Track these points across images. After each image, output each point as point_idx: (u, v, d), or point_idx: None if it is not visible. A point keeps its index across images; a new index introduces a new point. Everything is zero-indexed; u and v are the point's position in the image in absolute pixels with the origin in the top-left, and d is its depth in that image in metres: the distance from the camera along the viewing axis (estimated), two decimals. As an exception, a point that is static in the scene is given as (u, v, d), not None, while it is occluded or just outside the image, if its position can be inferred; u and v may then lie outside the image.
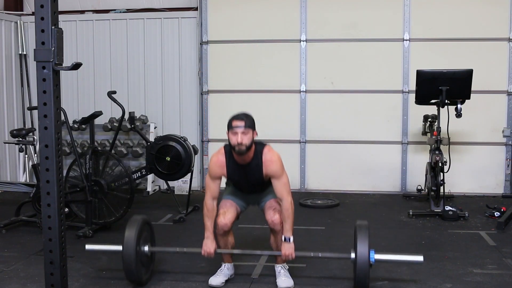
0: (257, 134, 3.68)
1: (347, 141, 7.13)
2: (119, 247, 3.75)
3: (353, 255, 3.63)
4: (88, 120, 5.47)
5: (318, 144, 7.20)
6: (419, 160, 6.86)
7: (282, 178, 3.70)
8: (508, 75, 6.81)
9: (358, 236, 3.64)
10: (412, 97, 6.32)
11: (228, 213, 3.79)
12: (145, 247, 3.84)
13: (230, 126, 3.60)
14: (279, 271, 3.88)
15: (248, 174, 3.73)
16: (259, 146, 3.72)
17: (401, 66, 6.93)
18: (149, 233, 3.96)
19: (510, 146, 6.88)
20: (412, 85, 6.22)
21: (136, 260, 3.70)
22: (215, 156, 3.80)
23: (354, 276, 3.63)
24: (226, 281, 3.92)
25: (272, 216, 3.77)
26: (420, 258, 3.73)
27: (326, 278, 4.01)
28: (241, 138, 3.54)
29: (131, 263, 3.68)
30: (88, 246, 4.00)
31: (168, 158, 5.81)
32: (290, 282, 3.82)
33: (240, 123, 3.57)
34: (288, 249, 3.67)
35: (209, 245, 3.75)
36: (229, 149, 3.72)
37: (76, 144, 5.89)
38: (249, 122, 3.60)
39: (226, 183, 4.04)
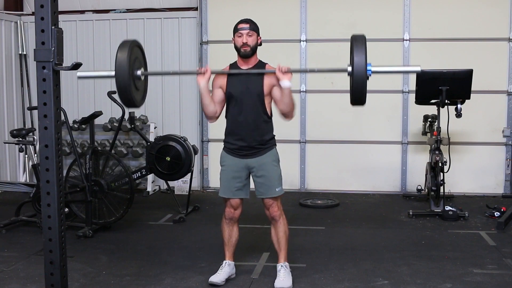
0: (261, 39, 3.80)
1: (347, 141, 7.13)
2: (112, 72, 3.61)
3: (349, 68, 3.56)
4: (88, 120, 5.47)
5: (318, 144, 7.20)
6: (419, 160, 6.87)
7: None
8: (508, 75, 6.81)
9: (355, 48, 3.52)
10: (412, 97, 6.32)
11: (235, 207, 3.89)
12: (137, 71, 3.66)
13: (235, 29, 3.73)
14: (279, 269, 3.87)
15: (248, 82, 3.73)
16: (263, 61, 3.86)
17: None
18: (141, 57, 3.75)
19: (510, 146, 6.88)
20: (412, 85, 6.22)
21: (130, 82, 3.57)
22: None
23: (351, 90, 3.54)
24: (226, 280, 3.92)
25: (270, 208, 3.83)
26: (417, 68, 3.61)
27: (326, 278, 4.01)
28: (246, 39, 3.68)
29: (125, 84, 3.55)
30: (80, 73, 3.56)
31: (168, 158, 5.81)
32: (287, 282, 3.81)
33: (245, 25, 3.72)
34: (282, 67, 3.66)
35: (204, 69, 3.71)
36: (234, 63, 3.82)
37: (76, 144, 5.89)
38: (253, 25, 3.75)
39: (220, 164, 3.91)
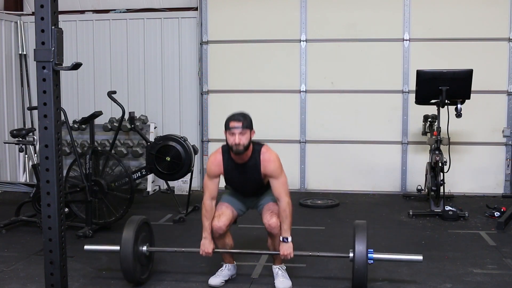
0: (254, 133, 3.68)
1: (347, 141, 7.13)
2: (117, 247, 3.75)
3: (351, 254, 3.62)
4: (88, 120, 5.47)
5: (318, 144, 7.20)
6: (419, 160, 6.86)
7: (281, 178, 3.69)
8: (508, 75, 6.81)
9: (356, 235, 3.63)
10: (412, 97, 6.32)
11: (223, 216, 3.78)
12: (143, 247, 3.84)
13: (227, 127, 3.60)
14: (277, 272, 3.88)
15: (245, 174, 3.73)
16: (257, 146, 3.72)
17: (401, 66, 6.94)
18: (147, 233, 3.95)
19: (510, 146, 6.88)
20: (412, 85, 6.22)
21: (134, 260, 3.70)
22: (213, 156, 3.80)
23: (352, 276, 3.63)
24: (226, 280, 3.92)
25: (269, 220, 3.74)
26: (419, 257, 3.73)
27: (326, 278, 4.01)
28: (239, 138, 3.55)
29: (128, 263, 3.68)
30: (87, 247, 4.01)
31: (168, 158, 5.81)
32: (288, 283, 3.81)
33: (238, 124, 3.57)
34: (286, 249, 3.67)
35: (207, 245, 3.75)
36: (227, 149, 3.71)
37: (76, 144, 5.89)
38: (246, 122, 3.60)
39: (225, 187, 4.03)
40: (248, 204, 3.97)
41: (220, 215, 3.79)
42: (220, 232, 3.76)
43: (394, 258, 3.87)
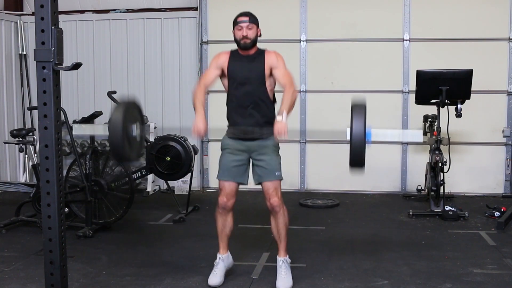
0: (260, 32, 3.82)
1: (347, 141, 7.10)
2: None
3: (348, 133, 3.55)
4: (88, 120, 5.47)
5: (318, 144, 7.20)
6: (419, 160, 6.86)
7: (285, 69, 3.79)
8: (508, 75, 6.81)
9: (354, 113, 3.51)
10: (412, 97, 6.31)
11: (229, 195, 3.82)
12: (132, 127, 3.52)
13: (235, 22, 3.77)
14: (280, 265, 3.85)
15: (249, 64, 3.79)
16: (263, 49, 3.87)
17: (401, 66, 6.94)
18: (137, 112, 3.65)
19: (510, 146, 6.88)
20: (412, 85, 6.21)
21: (123, 137, 3.37)
22: (220, 52, 3.92)
23: (349, 154, 3.57)
24: (226, 277, 3.90)
25: (271, 198, 3.77)
26: (419, 137, 3.55)
27: (326, 278, 4.01)
28: (246, 31, 3.71)
29: (118, 139, 3.34)
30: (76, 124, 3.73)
31: (168, 158, 5.81)
32: (289, 282, 3.80)
33: (245, 18, 3.75)
34: (280, 126, 3.58)
35: (199, 122, 3.81)
36: (235, 50, 3.85)
37: (76, 144, 5.89)
38: (253, 18, 3.78)
39: (221, 149, 3.94)
40: (246, 156, 3.84)
41: (226, 194, 3.82)
42: (226, 207, 3.83)
43: (393, 135, 3.76)
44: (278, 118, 3.60)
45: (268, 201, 3.81)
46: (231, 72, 3.82)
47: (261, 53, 3.83)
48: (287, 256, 3.91)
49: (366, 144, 3.40)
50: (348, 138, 3.44)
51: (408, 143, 7.02)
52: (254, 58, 3.80)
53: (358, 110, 3.40)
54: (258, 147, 3.81)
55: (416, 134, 3.51)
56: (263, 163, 3.80)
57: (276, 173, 3.80)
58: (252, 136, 3.79)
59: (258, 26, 3.81)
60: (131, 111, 3.52)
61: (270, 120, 3.76)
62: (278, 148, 3.88)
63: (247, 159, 3.86)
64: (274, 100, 3.89)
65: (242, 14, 3.79)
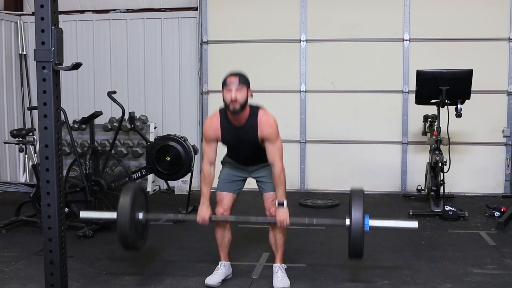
0: (252, 94, 3.63)
1: (347, 141, 7.13)
2: (114, 214, 3.72)
3: (347, 222, 3.57)
4: (88, 120, 5.47)
5: (318, 144, 7.20)
6: (419, 160, 6.86)
7: (276, 143, 3.65)
8: (508, 75, 6.81)
9: (353, 202, 3.54)
10: (412, 97, 6.32)
11: (226, 206, 3.83)
12: (139, 214, 3.76)
13: (224, 83, 3.58)
14: (277, 270, 3.87)
15: (243, 136, 3.68)
16: (254, 108, 3.68)
17: (401, 66, 6.94)
18: (143, 200, 3.87)
19: (510, 146, 6.88)
20: (412, 85, 6.22)
21: (131, 227, 3.63)
22: (209, 119, 3.79)
23: (348, 243, 3.58)
24: (224, 281, 3.91)
25: (270, 208, 3.79)
26: (414, 224, 3.69)
27: (326, 278, 4.01)
28: (235, 94, 3.50)
29: (126, 230, 3.62)
30: (83, 214, 4.01)
31: (168, 158, 5.81)
32: (286, 282, 3.80)
33: (235, 79, 3.54)
34: (282, 214, 3.63)
35: (204, 211, 3.72)
36: (224, 111, 3.68)
37: (76, 144, 5.89)
38: (243, 79, 3.57)
39: (222, 162, 3.98)
40: (246, 173, 3.92)
41: (220, 201, 3.84)
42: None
43: (390, 225, 3.86)
44: (279, 208, 3.65)
45: (268, 211, 3.82)
46: (226, 141, 3.78)
47: (254, 120, 3.63)
48: (283, 262, 3.93)
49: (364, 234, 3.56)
50: (348, 224, 3.60)
51: (408, 143, 7.03)
52: (246, 131, 3.64)
53: (357, 199, 3.50)
54: (258, 167, 3.89)
55: (410, 223, 3.79)
56: (264, 178, 3.86)
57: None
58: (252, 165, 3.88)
59: (249, 87, 3.59)
60: (138, 199, 3.78)
61: (264, 154, 3.75)
62: None
63: (245, 175, 3.95)
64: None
65: (232, 75, 3.58)
